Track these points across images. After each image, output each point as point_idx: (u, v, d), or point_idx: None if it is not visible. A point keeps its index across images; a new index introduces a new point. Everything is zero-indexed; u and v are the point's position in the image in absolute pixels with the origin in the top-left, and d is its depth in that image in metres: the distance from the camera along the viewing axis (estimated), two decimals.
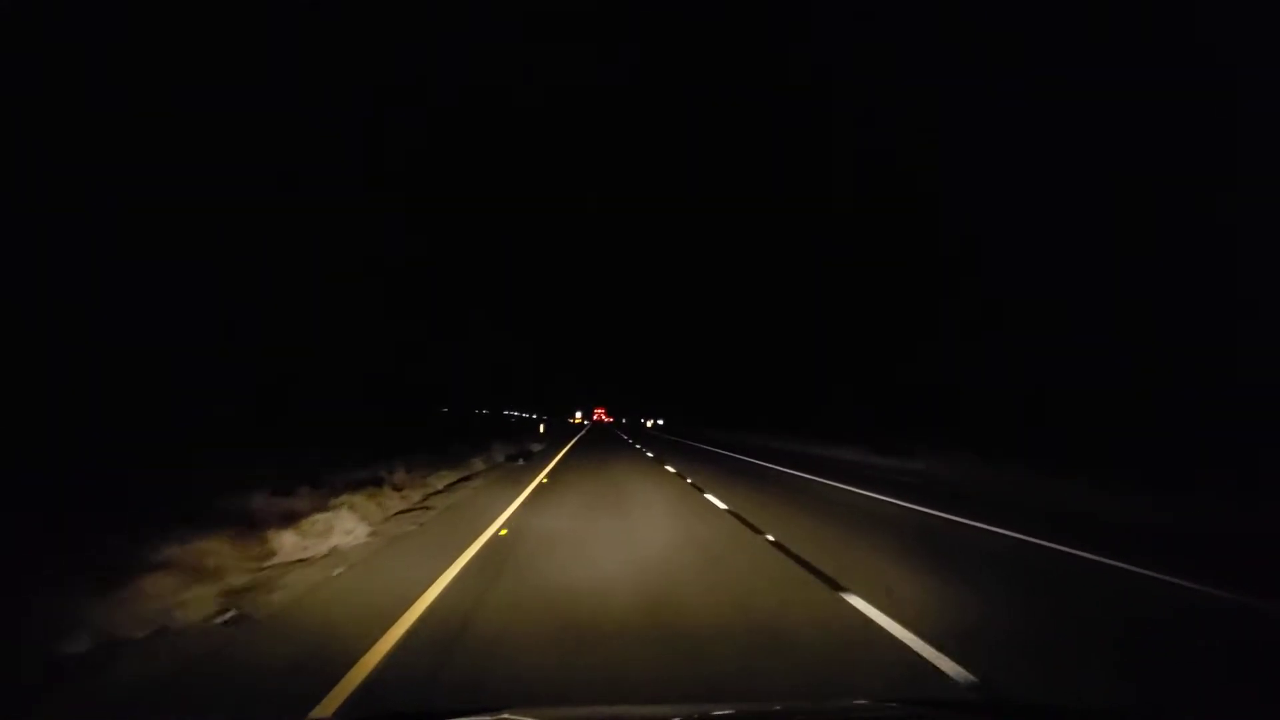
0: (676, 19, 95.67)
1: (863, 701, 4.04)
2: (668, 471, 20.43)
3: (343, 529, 9.25)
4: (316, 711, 3.93)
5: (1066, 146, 25.61)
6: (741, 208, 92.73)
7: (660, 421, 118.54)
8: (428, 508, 12.46)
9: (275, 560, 8.08)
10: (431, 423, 47.37)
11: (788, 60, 64.53)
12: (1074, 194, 25.16)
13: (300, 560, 8.19)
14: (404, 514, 11.65)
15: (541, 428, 45.87)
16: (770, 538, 9.29)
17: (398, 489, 13.41)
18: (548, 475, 18.52)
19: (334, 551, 8.69)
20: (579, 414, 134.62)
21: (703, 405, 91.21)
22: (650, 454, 29.11)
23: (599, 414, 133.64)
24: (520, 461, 23.62)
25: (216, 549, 7.52)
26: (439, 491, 14.99)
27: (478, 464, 20.82)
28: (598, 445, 37.76)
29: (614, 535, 9.54)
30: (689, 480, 17.41)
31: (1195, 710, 4.15)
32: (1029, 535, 10.09)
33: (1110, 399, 22.08)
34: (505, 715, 3.15)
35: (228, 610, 6.01)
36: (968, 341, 30.18)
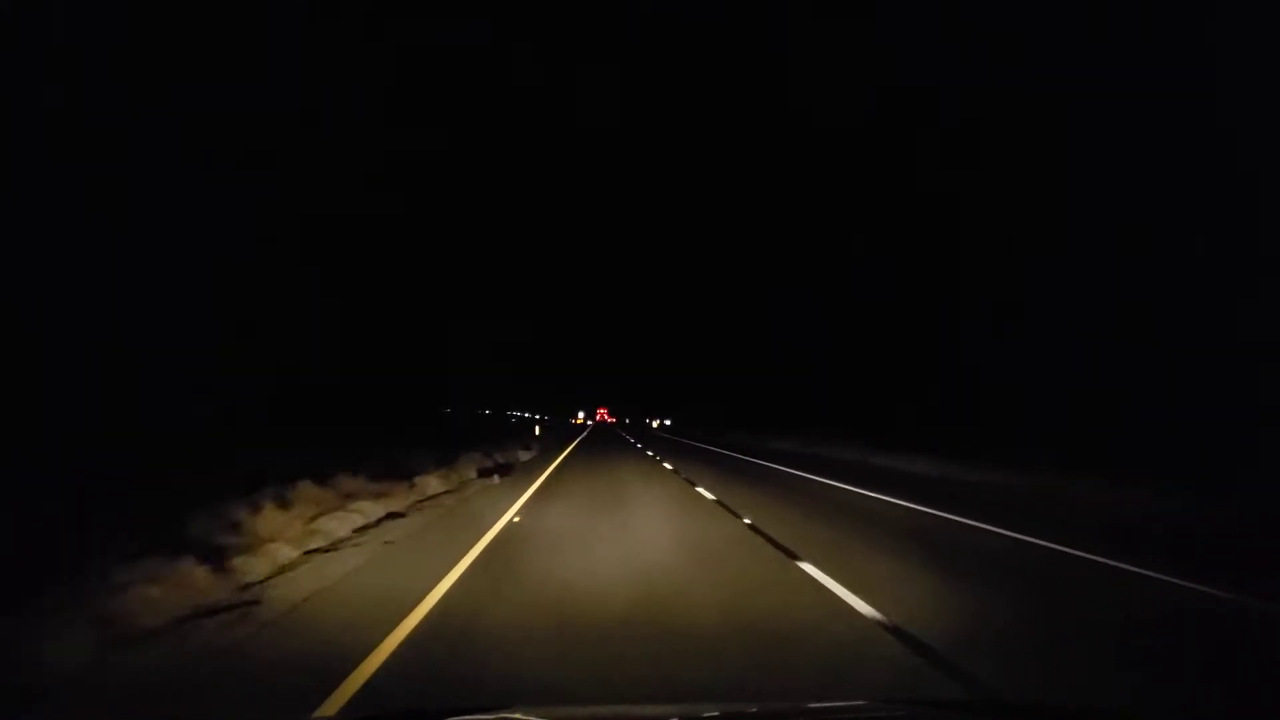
0: (677, 18, 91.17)
1: (863, 701, 3.91)
2: (702, 496, 14.07)
3: None
4: (319, 711, 3.75)
5: (1065, 145, 25.58)
6: (749, 204, 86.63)
7: (667, 422, 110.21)
8: (251, 604, 6.07)
9: None
10: (429, 423, 44.76)
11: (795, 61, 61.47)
12: (1077, 192, 25.01)
13: None
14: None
15: (537, 429, 39.73)
16: None
17: (219, 566, 6.98)
18: (522, 509, 12.10)
19: None
20: (581, 414, 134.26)
21: (705, 407, 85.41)
22: (668, 465, 23.04)
23: (601, 414, 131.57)
24: (495, 479, 17.21)
25: None
26: (324, 550, 8.61)
27: (431, 484, 14.46)
28: (601, 451, 31.63)
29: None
30: (746, 520, 10.93)
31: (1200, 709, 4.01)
32: None
33: (1125, 398, 21.51)
34: (506, 715, 3.04)
35: None
36: (979, 341, 29.65)
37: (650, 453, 29.50)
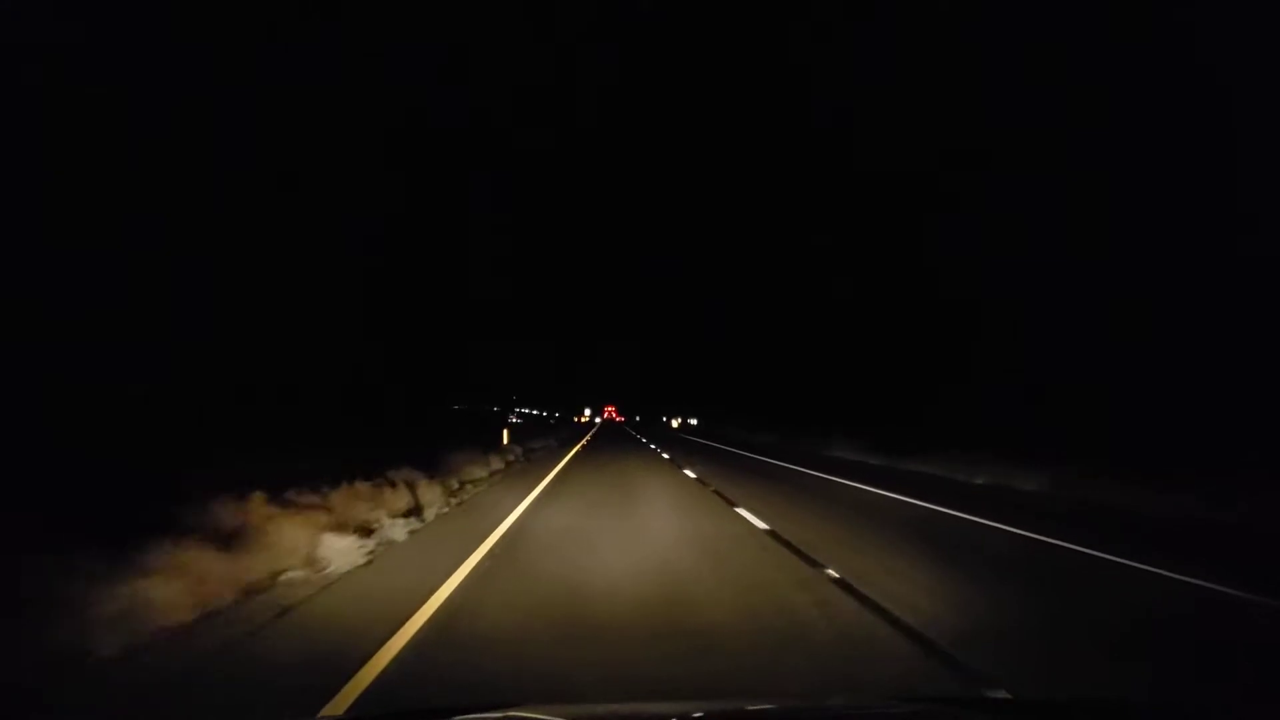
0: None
1: (869, 699, 3.94)
2: None
3: None
4: (328, 709, 3.72)
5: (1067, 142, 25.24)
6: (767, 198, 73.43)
7: (691, 421, 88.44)
8: None
9: None
10: (430, 421, 43.36)
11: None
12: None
13: None
14: None
15: (505, 435, 24.63)
16: None
17: None
18: None
19: None
20: (588, 411, 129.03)
21: (732, 406, 68.38)
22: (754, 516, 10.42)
23: (609, 411, 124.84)
24: None
25: None
26: None
27: None
28: (611, 475, 18.38)
29: None
30: None
31: (1206, 706, 3.74)
32: None
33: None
34: (513, 713, 2.97)
35: None
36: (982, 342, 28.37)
37: (730, 501, 13.07)
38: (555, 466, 21.19)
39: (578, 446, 33.17)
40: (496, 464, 18.90)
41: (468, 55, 62.63)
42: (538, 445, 30.52)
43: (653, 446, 34.31)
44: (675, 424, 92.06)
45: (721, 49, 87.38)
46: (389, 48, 51.18)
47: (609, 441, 40.61)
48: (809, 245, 51.60)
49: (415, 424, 42.97)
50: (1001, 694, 3.99)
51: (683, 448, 33.98)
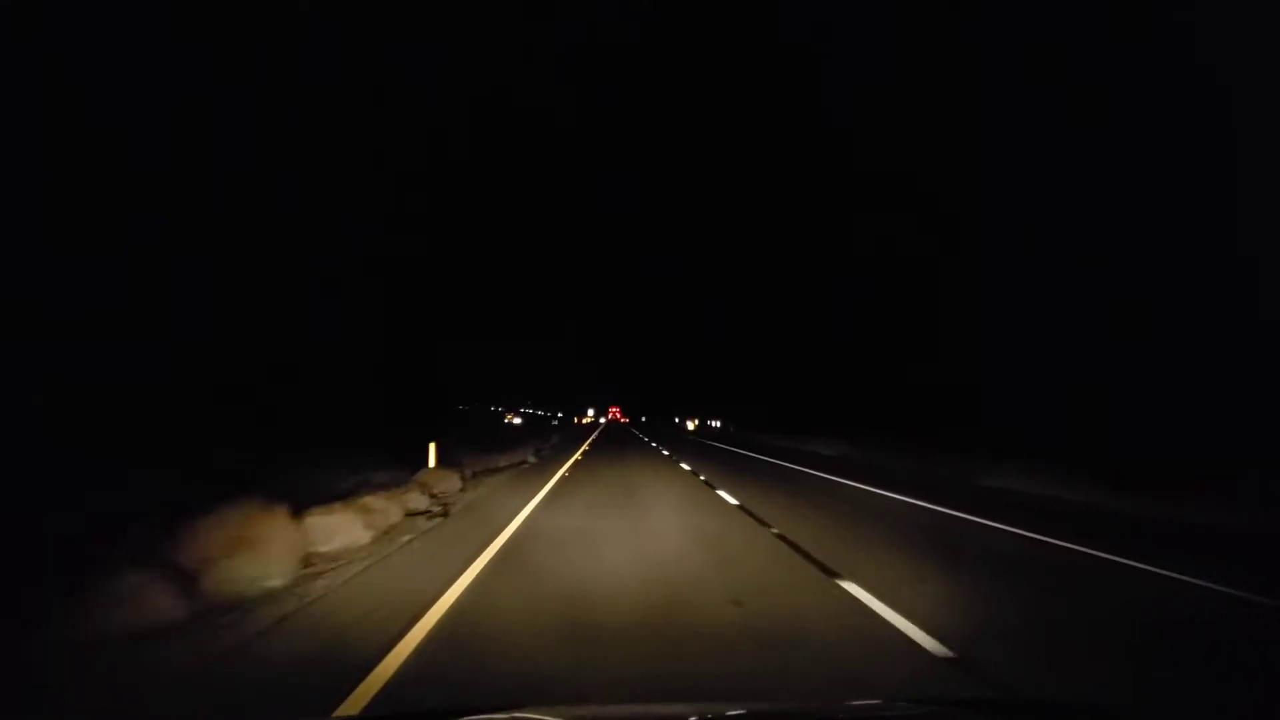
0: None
1: (873, 700, 3.84)
2: None
3: None
4: (340, 710, 3.68)
5: (1069, 143, 25.34)
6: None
7: (714, 424, 71.23)
8: None
9: None
10: (433, 420, 42.06)
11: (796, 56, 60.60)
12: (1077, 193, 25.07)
13: None
14: None
15: (433, 453, 13.03)
16: None
17: None
18: None
19: None
20: (591, 411, 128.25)
21: (754, 403, 60.95)
22: None
23: (614, 413, 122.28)
24: None
25: None
26: None
27: None
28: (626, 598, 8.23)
29: None
30: None
31: (1207, 707, 3.80)
32: None
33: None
34: (519, 714, 2.96)
35: None
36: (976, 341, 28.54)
37: None
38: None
39: (569, 463, 21.91)
40: (341, 538, 7.97)
41: (464, 58, 62.51)
42: (503, 464, 19.82)
43: (685, 466, 21.13)
44: (691, 426, 76.87)
45: (722, 49, 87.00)
46: (387, 48, 51.32)
47: (617, 452, 29.37)
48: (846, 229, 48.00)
49: (409, 424, 42.28)
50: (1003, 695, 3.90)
51: (736, 470, 20.39)
